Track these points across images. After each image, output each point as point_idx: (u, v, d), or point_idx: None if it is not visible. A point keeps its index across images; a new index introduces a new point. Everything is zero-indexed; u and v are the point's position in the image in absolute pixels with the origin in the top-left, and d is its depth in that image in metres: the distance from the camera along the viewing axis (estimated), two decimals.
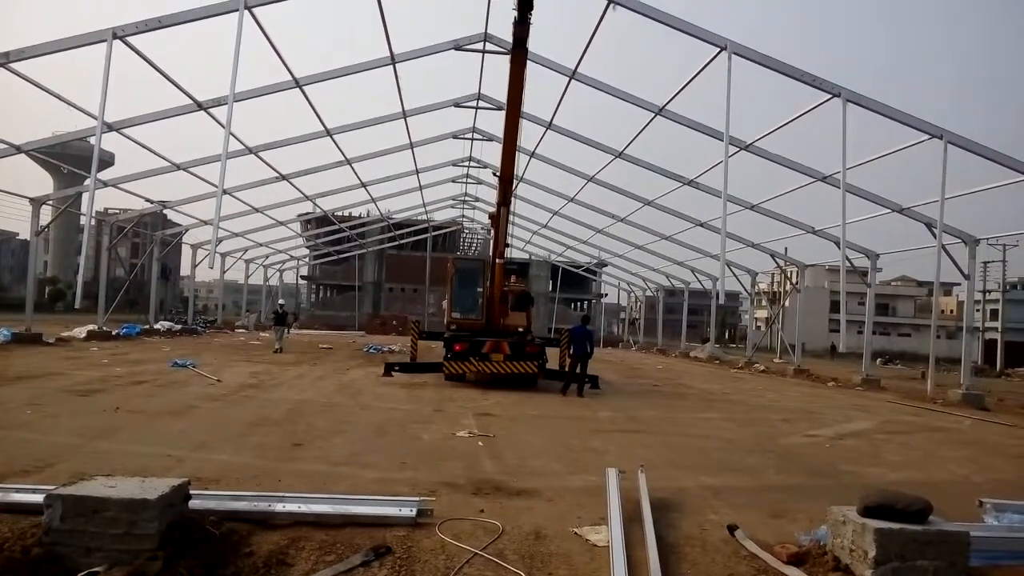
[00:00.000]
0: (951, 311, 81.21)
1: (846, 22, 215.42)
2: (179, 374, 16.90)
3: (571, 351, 17.47)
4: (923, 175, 25.75)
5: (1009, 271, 72.01)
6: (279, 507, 5.71)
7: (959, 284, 36.30)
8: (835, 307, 64.51)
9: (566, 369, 17.78)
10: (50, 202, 28.49)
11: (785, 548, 5.50)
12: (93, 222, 27.89)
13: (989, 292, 71.74)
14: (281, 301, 32.50)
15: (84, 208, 23.47)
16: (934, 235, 21.00)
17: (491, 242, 19.36)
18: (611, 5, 17.16)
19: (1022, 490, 8.31)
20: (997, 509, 6.38)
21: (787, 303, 46.20)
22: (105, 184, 27.42)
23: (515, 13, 15.03)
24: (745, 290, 41.07)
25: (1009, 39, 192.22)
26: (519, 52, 15.76)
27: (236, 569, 4.83)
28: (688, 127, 22.16)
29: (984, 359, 64.43)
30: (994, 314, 74.30)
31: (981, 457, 11.51)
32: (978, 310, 66.43)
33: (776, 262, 35.11)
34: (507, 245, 19.13)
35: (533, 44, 16.17)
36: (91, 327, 28.09)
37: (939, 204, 19.48)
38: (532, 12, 15.00)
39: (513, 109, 16.68)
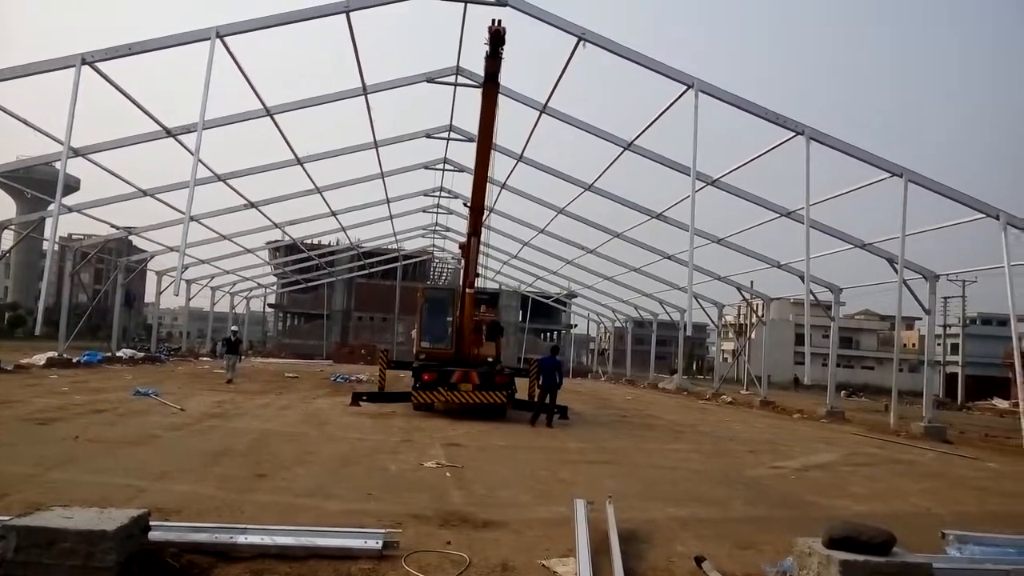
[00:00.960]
0: (913, 345, 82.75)
1: (809, 61, 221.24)
2: (141, 403, 16.56)
3: (540, 381, 17.47)
4: (885, 212, 26.39)
5: (969, 306, 73.82)
6: (241, 539, 5.60)
7: (920, 319, 37.13)
8: (800, 340, 65.35)
9: (535, 400, 17.75)
10: (12, 227, 28.00)
11: None
12: (56, 247, 27.45)
13: (950, 327, 73.33)
14: (234, 328, 31.26)
15: (47, 233, 23.08)
16: (895, 270, 21.46)
17: (461, 272, 19.38)
18: (581, 42, 17.46)
19: (984, 522, 8.44)
20: (959, 541, 6.46)
21: (753, 335, 46.76)
22: (70, 209, 27.01)
23: (487, 48, 15.29)
24: (712, 322, 41.51)
25: (967, 78, 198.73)
26: (490, 86, 16.04)
27: None
28: (656, 162, 22.51)
29: (946, 392, 65.55)
30: (955, 348, 75.84)
31: (944, 489, 11.67)
32: (939, 344, 67.80)
33: (742, 295, 35.58)
34: (477, 275, 19.17)
35: (505, 78, 16.42)
36: (51, 354, 27.46)
37: (900, 240, 19.93)
38: (503, 47, 15.31)
39: (484, 141, 16.86)
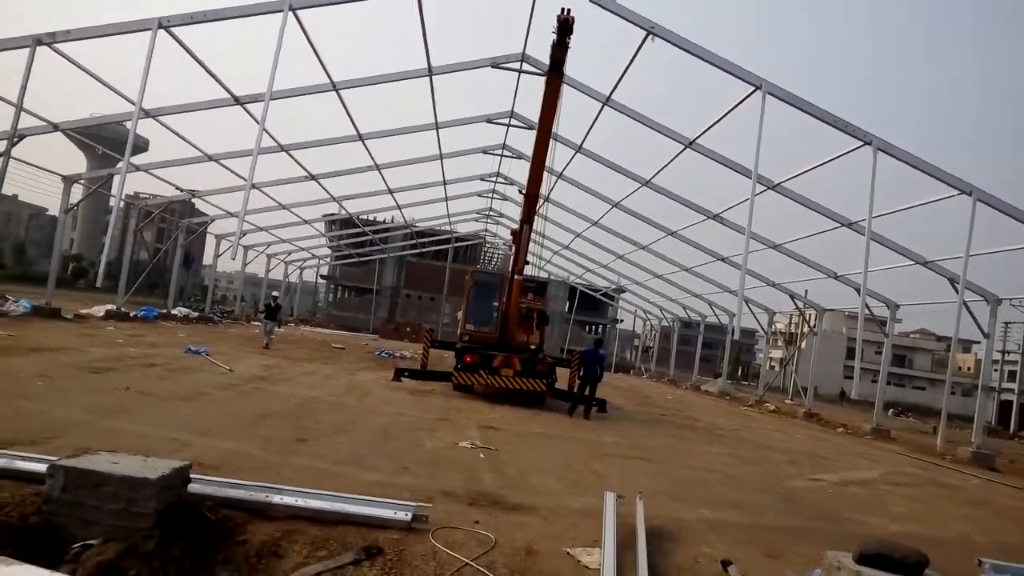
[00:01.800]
0: (968, 368, 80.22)
1: (880, 70, 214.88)
2: (192, 360, 17.05)
3: (581, 373, 17.46)
4: (949, 229, 25.59)
5: None
6: (276, 499, 5.75)
7: (978, 342, 35.91)
8: (851, 354, 63.90)
9: (575, 390, 17.75)
10: (82, 181, 28.93)
11: None
12: (122, 204, 28.29)
13: (1008, 353, 70.81)
14: (275, 293, 30.26)
15: (115, 190, 23.84)
16: (956, 291, 20.81)
17: (511, 258, 19.42)
18: (650, 36, 17.27)
19: (1023, 554, 8.19)
20: (996, 570, 6.28)
21: (803, 345, 45.85)
22: (137, 168, 27.83)
23: (554, 36, 15.22)
24: (762, 328, 40.81)
25: None
26: (555, 75, 15.94)
27: (228, 555, 4.88)
28: (716, 161, 22.17)
29: (998, 420, 63.44)
30: (1011, 375, 73.19)
31: (985, 517, 11.35)
32: (996, 370, 65.57)
33: (795, 303, 34.92)
34: (527, 262, 19.17)
35: (570, 68, 16.34)
36: (110, 307, 28.36)
37: (963, 260, 19.32)
38: (571, 36, 15.23)
39: (544, 129, 16.80)
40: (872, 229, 19.18)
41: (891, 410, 52.88)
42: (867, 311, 22.65)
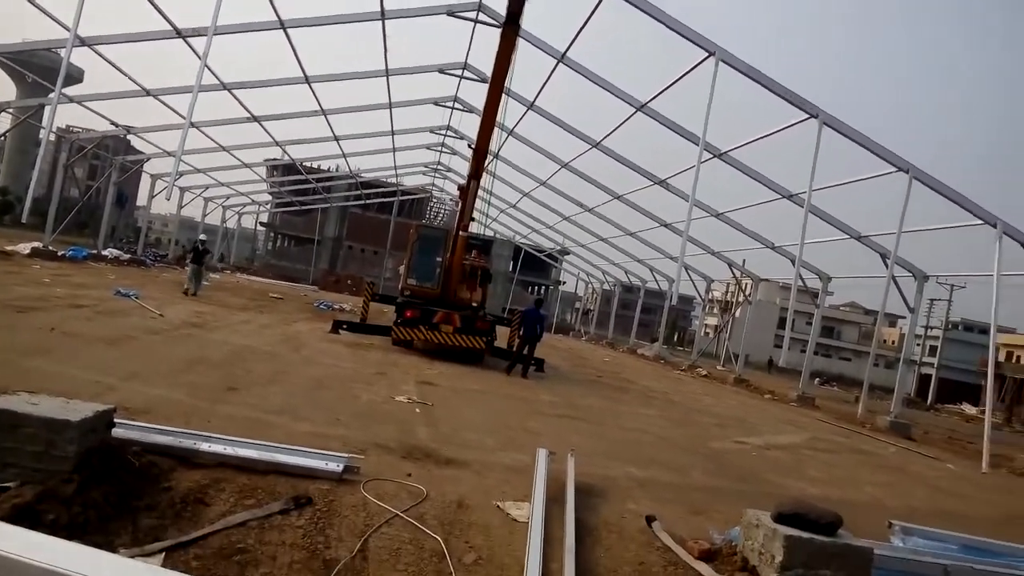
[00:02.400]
0: (893, 342, 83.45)
1: (831, 46, 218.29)
2: (121, 303, 16.55)
3: (521, 332, 17.56)
4: (884, 206, 26.36)
5: (953, 311, 74.34)
6: (204, 446, 5.67)
7: (904, 317, 37.41)
8: (783, 323, 65.83)
9: (514, 349, 17.87)
10: (10, 110, 27.55)
11: (698, 544, 5.65)
12: (52, 137, 27.03)
13: (931, 328, 73.99)
14: (202, 236, 27.17)
15: (45, 121, 22.73)
16: (887, 266, 21.53)
17: (457, 214, 19.28)
18: None
19: (932, 519, 8.62)
20: (904, 532, 6.63)
21: (737, 313, 46.99)
22: (70, 100, 26.51)
23: None
24: (699, 295, 41.67)
25: (976, 82, 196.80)
26: (511, 27, 15.75)
27: (152, 502, 4.79)
28: (666, 127, 22.26)
29: (918, 392, 66.54)
30: (933, 350, 76.68)
31: (899, 483, 11.92)
32: (918, 344, 68.50)
33: (732, 272, 35.64)
34: (473, 219, 19.08)
35: (526, 23, 16.12)
36: (36, 244, 27.27)
37: (895, 236, 19.96)
38: None
39: (497, 83, 16.61)
40: (812, 202, 19.62)
41: (817, 379, 54.86)
42: (801, 282, 23.30)
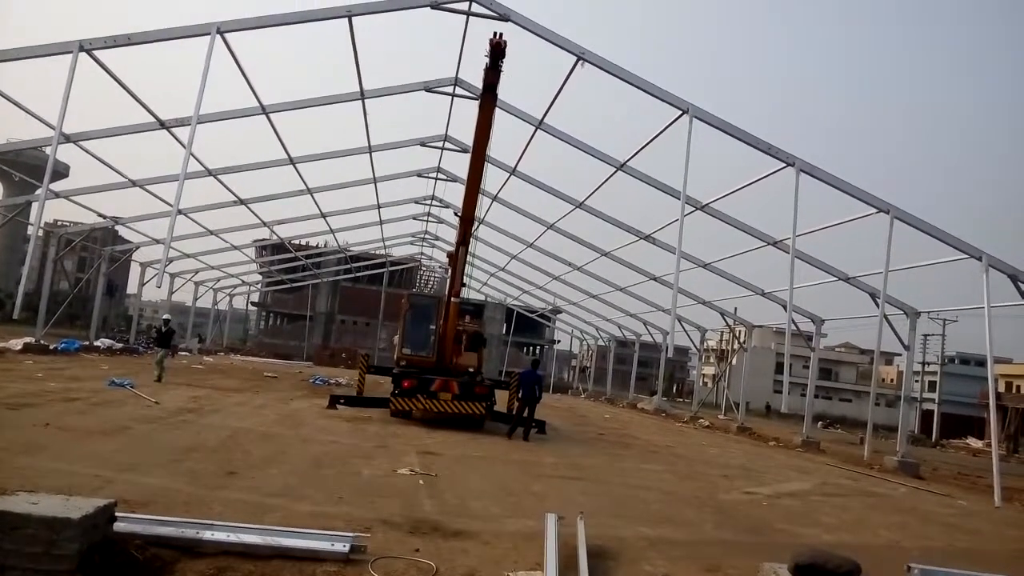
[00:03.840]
0: (891, 380, 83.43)
1: (803, 95, 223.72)
2: (115, 393, 16.40)
3: (520, 394, 17.46)
4: (870, 247, 26.73)
5: (948, 345, 74.54)
6: (207, 535, 5.57)
7: (900, 355, 37.42)
8: (780, 368, 65.71)
9: (513, 412, 17.73)
10: None
11: None
12: (41, 232, 27.19)
13: (928, 364, 73.96)
14: (166, 316, 24.30)
15: (33, 217, 22.93)
16: (877, 305, 21.66)
17: (447, 281, 19.37)
18: (580, 62, 17.62)
19: (950, 558, 8.50)
20: (924, 575, 6.52)
21: (734, 361, 46.94)
22: (57, 195, 26.82)
23: (487, 59, 15.46)
24: (694, 346, 41.66)
25: (960, 120, 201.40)
26: (488, 97, 16.18)
27: None
28: (647, 183, 22.65)
29: (921, 429, 66.08)
30: (932, 385, 76.50)
31: (912, 524, 11.75)
32: (917, 381, 68.33)
33: (725, 320, 35.74)
34: (463, 285, 19.17)
35: (503, 92, 16.53)
36: (28, 340, 27.12)
37: (883, 276, 20.14)
38: (503, 60, 15.50)
39: (479, 152, 16.96)
40: (796, 247, 19.87)
41: (820, 422, 54.49)
42: (794, 326, 23.39)
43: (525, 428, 16.90)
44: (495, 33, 15.28)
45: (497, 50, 15.24)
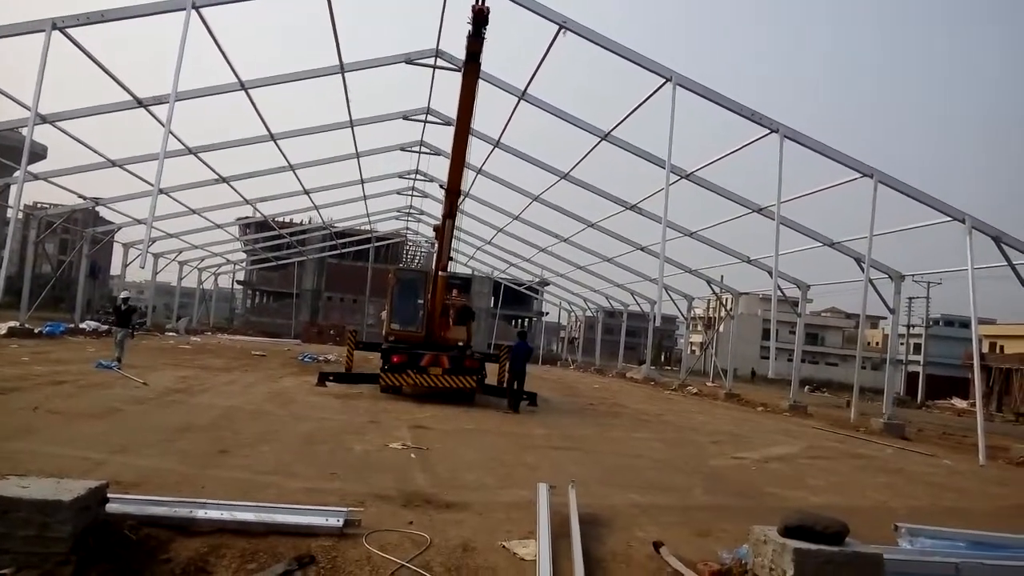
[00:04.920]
0: (877, 343, 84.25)
1: (786, 61, 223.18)
2: (103, 375, 16.32)
3: (508, 367, 17.50)
4: (854, 211, 26.84)
5: (933, 308, 75.26)
6: (200, 513, 5.57)
7: (885, 318, 37.74)
8: (767, 334, 66.24)
9: (504, 385, 17.77)
10: None
11: (708, 566, 5.61)
12: (20, 215, 26.83)
13: (913, 327, 74.73)
14: (124, 293, 22.08)
15: (12, 200, 22.57)
16: (862, 269, 21.80)
17: (434, 255, 19.30)
18: (562, 30, 17.43)
19: (937, 517, 8.64)
20: (911, 533, 6.62)
21: (721, 328, 47.23)
22: (35, 177, 26.44)
23: (469, 27, 15.19)
24: (681, 314, 41.86)
25: (942, 88, 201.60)
26: (472, 66, 15.90)
27: (152, 575, 4.70)
28: (632, 153, 22.58)
29: (906, 391, 66.91)
30: (917, 348, 77.38)
31: (899, 484, 11.93)
32: (902, 343, 69.13)
33: (712, 288, 35.91)
34: (451, 259, 19.10)
35: (485, 64, 16.32)
36: (13, 324, 26.89)
37: (867, 240, 20.24)
38: (486, 27, 15.22)
39: (463, 122, 16.74)
40: (781, 214, 19.90)
41: (807, 387, 55.07)
42: (780, 292, 23.53)
43: (516, 400, 16.97)
44: (477, 0, 15.06)
45: (480, 17, 15.00)
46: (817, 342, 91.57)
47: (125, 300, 20.57)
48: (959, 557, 6.07)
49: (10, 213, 29.85)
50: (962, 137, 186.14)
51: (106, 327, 35.38)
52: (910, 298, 69.28)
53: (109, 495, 5.15)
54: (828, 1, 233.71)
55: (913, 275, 25.47)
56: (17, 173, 20.22)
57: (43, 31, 15.67)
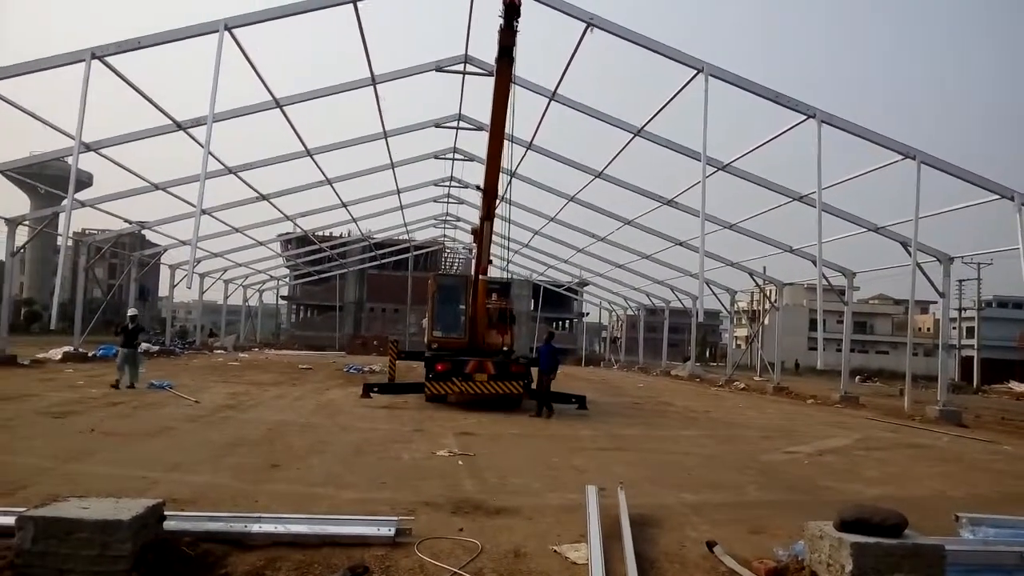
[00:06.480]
0: (928, 329, 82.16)
1: (821, 45, 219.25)
2: (156, 395, 16.70)
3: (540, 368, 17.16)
4: (898, 194, 26.19)
5: (984, 289, 73.11)
6: (255, 528, 5.66)
7: (935, 302, 36.80)
8: (813, 325, 65.06)
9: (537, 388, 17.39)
10: (26, 223, 28.15)
11: (763, 563, 5.52)
12: (70, 243, 27.61)
13: (965, 310, 72.71)
14: (132, 311, 20.28)
15: (61, 228, 23.25)
16: (909, 254, 21.28)
17: (472, 261, 19.24)
18: (590, 28, 17.30)
19: (998, 505, 8.40)
20: (973, 523, 6.42)
21: (766, 321, 46.53)
22: (83, 204, 27.22)
23: (501, 20, 14.65)
24: (725, 308, 41.36)
25: (982, 64, 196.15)
26: (505, 61, 15.08)
27: None
28: (666, 147, 22.37)
29: (961, 376, 65.09)
30: (970, 331, 75.24)
31: (958, 472, 11.61)
32: (954, 328, 67.29)
33: (755, 280, 35.40)
34: (489, 262, 18.94)
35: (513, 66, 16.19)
36: (67, 348, 27.71)
37: (913, 223, 19.75)
38: (518, 19, 14.37)
39: (498, 120, 16.19)
40: (823, 200, 19.52)
41: (857, 377, 53.92)
42: (825, 281, 23.06)
43: (547, 404, 16.57)
44: None
45: (511, 8, 14.18)
46: (866, 330, 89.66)
47: (133, 318, 19.35)
48: (1023, 545, 5.89)
49: (60, 241, 30.70)
50: (1005, 113, 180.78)
51: (156, 347, 36.25)
52: (960, 280, 67.57)
53: (166, 512, 5.25)
54: None
55: (962, 256, 24.73)
56: (65, 202, 20.78)
57: (83, 61, 16.10)
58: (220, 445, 10.37)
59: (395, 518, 6.03)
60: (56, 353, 27.03)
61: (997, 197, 18.43)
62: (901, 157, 18.88)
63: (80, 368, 24.00)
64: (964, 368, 69.11)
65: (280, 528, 5.70)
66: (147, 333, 29.62)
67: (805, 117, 18.39)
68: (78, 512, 4.69)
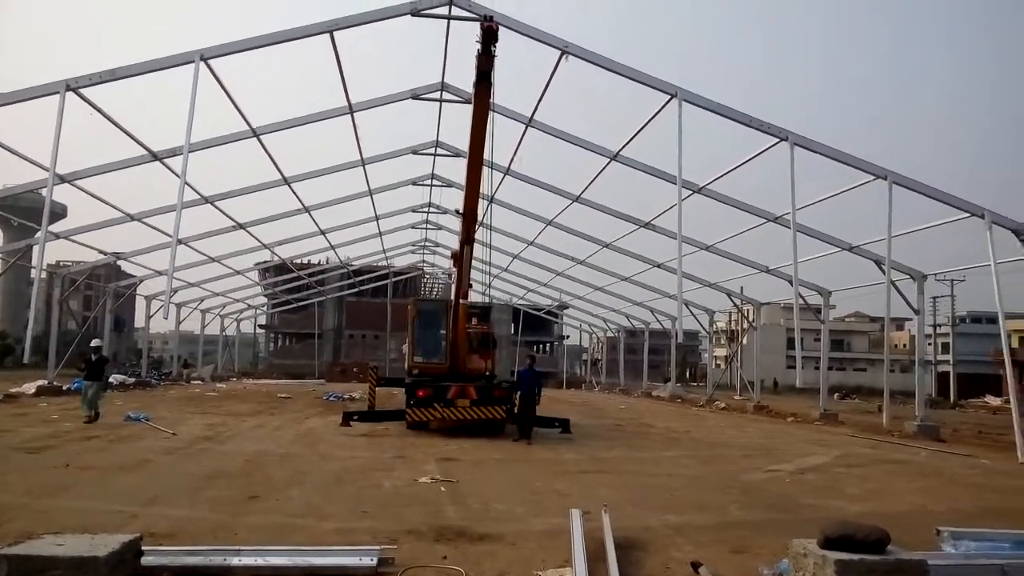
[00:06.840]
0: (904, 345, 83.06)
1: (791, 68, 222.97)
2: (132, 428, 16.43)
3: (519, 393, 17.04)
4: (871, 214, 26.60)
5: (958, 305, 74.29)
6: (235, 561, 5.57)
7: (910, 319, 37.29)
8: (792, 344, 65.52)
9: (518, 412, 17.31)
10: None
11: None
12: (44, 275, 27.27)
13: (939, 326, 73.67)
14: (96, 342, 19.84)
15: (35, 260, 22.95)
16: (883, 271, 21.58)
17: (452, 287, 19.18)
18: (564, 55, 17.52)
19: (978, 518, 8.47)
20: (954, 537, 6.48)
21: (745, 341, 46.82)
22: (57, 236, 26.94)
23: (479, 46, 14.77)
24: (703, 329, 41.66)
25: (948, 82, 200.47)
26: (483, 86, 15.11)
27: None
28: (643, 171, 22.62)
29: (938, 391, 65.81)
30: (945, 347, 76.20)
31: (938, 487, 11.71)
32: (930, 344, 68.05)
33: (732, 301, 35.72)
34: (470, 286, 18.87)
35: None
36: (41, 382, 27.26)
37: (887, 242, 20.07)
38: (496, 44, 14.53)
39: (477, 144, 16.04)
40: (797, 221, 19.81)
41: (836, 394, 54.29)
42: (801, 300, 23.32)
43: (528, 428, 16.45)
44: (485, 16, 14.80)
45: (489, 33, 14.30)
46: (843, 348, 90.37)
47: (96, 350, 18.71)
48: (1004, 558, 5.94)
49: (33, 273, 30.33)
50: (973, 132, 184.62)
51: (132, 379, 35.74)
52: (934, 297, 68.57)
53: (144, 547, 5.17)
54: (824, 2, 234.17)
55: (936, 274, 25.19)
56: (39, 234, 20.55)
57: (57, 93, 16.01)
58: (198, 477, 10.21)
59: (377, 547, 5.97)
60: (30, 387, 26.57)
61: (967, 215, 18.79)
62: (873, 178, 19.23)
63: (54, 402, 23.58)
64: (941, 383, 69.91)
65: (260, 560, 5.61)
66: (113, 364, 29.02)
67: (778, 140, 18.70)
68: (53, 549, 4.62)
